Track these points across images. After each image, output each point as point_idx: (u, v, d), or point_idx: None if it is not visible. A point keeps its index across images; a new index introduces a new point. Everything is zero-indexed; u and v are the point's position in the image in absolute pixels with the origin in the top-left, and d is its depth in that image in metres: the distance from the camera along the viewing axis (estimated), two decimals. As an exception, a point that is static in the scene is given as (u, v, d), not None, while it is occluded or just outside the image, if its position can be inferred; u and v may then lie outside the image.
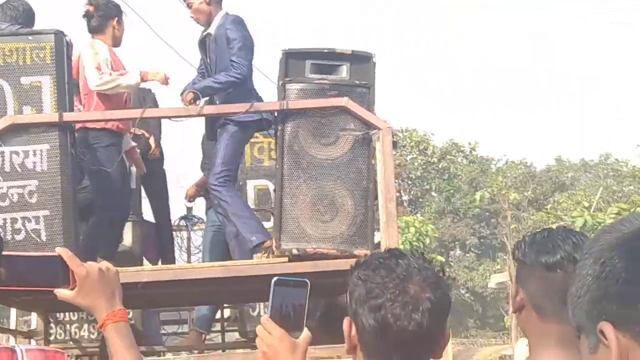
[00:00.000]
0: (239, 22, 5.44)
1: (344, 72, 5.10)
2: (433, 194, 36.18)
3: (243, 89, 5.29)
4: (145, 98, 6.34)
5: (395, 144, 5.10)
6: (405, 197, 36.22)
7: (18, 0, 5.62)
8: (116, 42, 5.53)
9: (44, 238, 4.60)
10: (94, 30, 5.47)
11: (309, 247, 4.92)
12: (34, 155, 4.71)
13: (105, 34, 5.46)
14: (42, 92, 4.79)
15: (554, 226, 2.15)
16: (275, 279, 1.82)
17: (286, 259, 4.86)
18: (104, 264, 1.89)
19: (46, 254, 1.88)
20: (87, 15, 5.51)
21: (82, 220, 5.13)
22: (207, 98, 5.14)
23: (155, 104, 6.37)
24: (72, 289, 1.83)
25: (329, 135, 5.02)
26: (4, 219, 4.62)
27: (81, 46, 5.36)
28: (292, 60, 5.08)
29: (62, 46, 4.85)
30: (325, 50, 5.14)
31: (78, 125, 5.03)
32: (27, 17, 5.49)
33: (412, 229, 22.04)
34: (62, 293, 1.85)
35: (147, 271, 4.89)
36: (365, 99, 5.10)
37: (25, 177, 4.68)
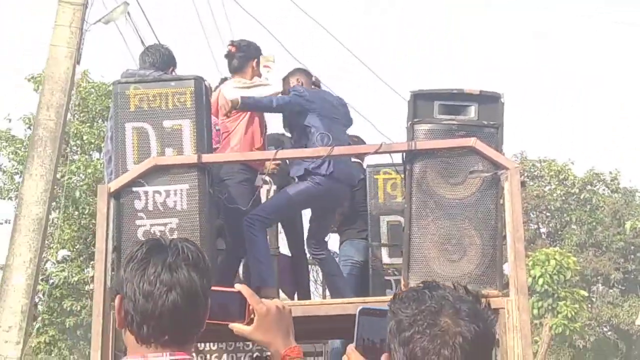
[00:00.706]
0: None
1: (472, 112, 5.23)
2: (573, 226, 35.23)
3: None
4: (284, 141, 6.67)
5: (523, 184, 5.17)
6: (543, 230, 35.46)
7: (155, 47, 6.07)
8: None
9: (183, 274, 4.91)
10: (235, 70, 5.88)
11: (437, 286, 5.04)
12: (175, 194, 5.05)
13: (245, 73, 5.84)
14: (182, 134, 5.13)
15: None
16: (360, 308, 1.87)
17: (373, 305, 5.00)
18: (279, 302, 2.01)
19: (228, 289, 1.98)
20: (229, 56, 5.91)
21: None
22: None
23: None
24: (247, 324, 1.94)
25: (457, 175, 5.15)
26: (147, 255, 4.96)
27: (225, 86, 5.75)
28: (421, 102, 5.25)
29: (201, 91, 5.20)
30: (454, 91, 5.29)
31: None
32: (164, 61, 5.92)
33: (553, 262, 21.44)
34: (240, 328, 1.95)
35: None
36: (494, 139, 5.21)
37: (167, 215, 5.03)
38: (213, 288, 1.94)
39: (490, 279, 5.08)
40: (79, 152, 19.05)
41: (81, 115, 19.13)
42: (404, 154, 5.29)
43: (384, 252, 6.53)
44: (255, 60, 5.96)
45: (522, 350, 4.84)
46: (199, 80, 5.24)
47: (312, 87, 6.07)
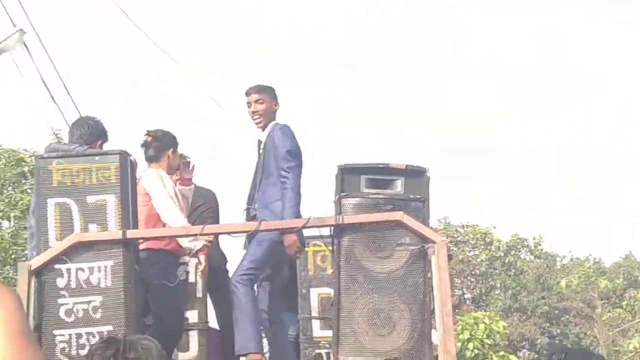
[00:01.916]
0: (285, 132, 5.86)
1: (398, 186, 5.38)
2: (498, 291, 35.86)
3: None
4: (206, 199, 6.70)
5: (450, 257, 5.32)
6: (468, 295, 35.94)
7: (84, 119, 6.10)
8: (170, 170, 5.97)
9: (107, 354, 4.88)
10: (151, 159, 5.95)
11: (367, 361, 5.12)
12: (99, 271, 5.03)
13: (161, 162, 5.92)
14: (106, 210, 5.14)
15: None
16: None
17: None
18: None
19: None
20: (145, 145, 5.99)
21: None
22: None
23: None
24: None
25: (385, 249, 5.27)
26: (70, 335, 4.92)
27: (149, 175, 5.78)
28: (348, 176, 5.37)
29: (126, 166, 5.23)
30: (380, 166, 5.44)
31: (142, 247, 5.39)
32: (92, 134, 5.95)
33: (482, 326, 21.67)
34: None
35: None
36: (420, 212, 5.35)
37: (91, 293, 5.00)
38: None
39: (419, 353, 5.18)
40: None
41: None
42: (332, 227, 5.39)
43: (315, 324, 6.58)
44: (172, 149, 6.05)
45: None
46: (123, 155, 5.27)
47: None
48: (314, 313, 6.97)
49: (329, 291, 6.78)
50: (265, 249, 5.68)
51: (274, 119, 6.05)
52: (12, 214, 17.20)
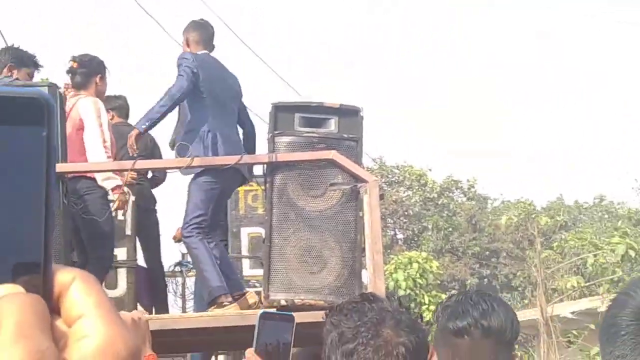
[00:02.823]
0: (182, 54, 5.81)
1: (332, 125, 5.46)
2: (430, 232, 36.47)
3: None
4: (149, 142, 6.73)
5: (382, 196, 5.44)
6: (400, 235, 36.49)
7: (10, 47, 6.02)
8: (99, 97, 5.91)
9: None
10: (78, 86, 5.88)
11: (297, 298, 5.23)
12: (27, 205, 5.02)
13: (88, 89, 5.85)
14: (35, 143, 5.10)
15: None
16: (261, 311, 1.96)
17: (274, 309, 5.16)
18: (136, 314, 2.16)
19: None
20: (71, 72, 5.91)
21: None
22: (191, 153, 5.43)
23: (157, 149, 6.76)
24: None
25: (318, 188, 5.36)
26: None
27: (86, 103, 5.72)
28: (281, 114, 5.43)
29: (55, 98, 5.19)
30: (314, 104, 5.49)
31: (70, 175, 5.37)
32: (20, 62, 5.86)
33: (416, 265, 22.02)
34: None
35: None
36: (353, 152, 5.45)
37: (18, 227, 4.99)
38: None
39: (349, 290, 5.28)
40: None
41: None
42: (265, 166, 5.45)
43: (245, 263, 6.69)
44: (99, 75, 5.99)
45: None
46: (53, 87, 5.24)
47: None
48: (244, 252, 7.09)
49: (259, 231, 6.88)
50: (202, 193, 5.62)
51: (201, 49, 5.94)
52: None
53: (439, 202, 36.08)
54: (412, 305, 23.00)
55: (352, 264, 5.34)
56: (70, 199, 5.38)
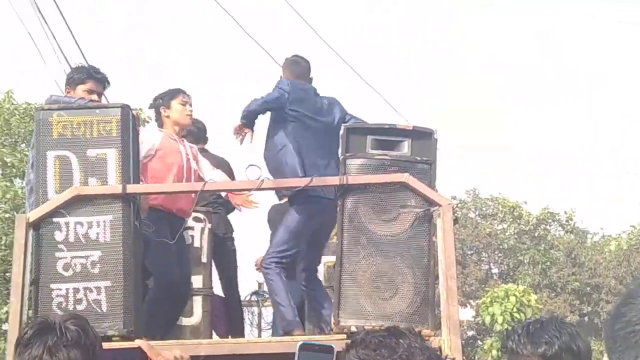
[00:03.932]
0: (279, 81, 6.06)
1: (405, 147, 5.43)
2: (526, 266, 35.78)
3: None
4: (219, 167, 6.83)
5: (456, 220, 5.37)
6: (495, 270, 35.96)
7: (82, 67, 6.23)
8: (175, 124, 6.14)
9: (104, 309, 5.00)
10: (161, 127, 6.08)
11: (368, 324, 5.17)
12: (98, 226, 5.14)
13: (165, 125, 6.14)
14: (107, 164, 5.23)
15: None
16: (300, 343, 1.99)
17: (344, 335, 5.12)
18: (178, 353, 2.24)
19: (128, 345, 2.21)
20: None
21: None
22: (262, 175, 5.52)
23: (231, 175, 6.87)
24: None
25: (390, 212, 5.32)
26: (67, 289, 5.04)
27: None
28: (354, 136, 5.43)
29: (128, 119, 5.31)
30: (387, 126, 5.48)
31: (148, 205, 5.53)
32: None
33: (513, 299, 21.41)
34: None
35: (204, 345, 5.23)
36: (427, 175, 5.40)
37: (89, 247, 5.11)
38: (114, 346, 2.16)
39: (422, 318, 5.24)
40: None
41: (3, 137, 18.91)
42: (337, 189, 5.46)
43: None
44: (162, 107, 6.20)
45: (452, 391, 4.99)
46: (125, 108, 5.35)
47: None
48: (322, 281, 7.08)
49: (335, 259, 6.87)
50: (287, 231, 5.85)
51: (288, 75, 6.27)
52: (26, 170, 17.39)
53: (535, 235, 35.41)
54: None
55: (425, 290, 5.27)
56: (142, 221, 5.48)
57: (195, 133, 6.97)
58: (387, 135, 5.45)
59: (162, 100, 6.13)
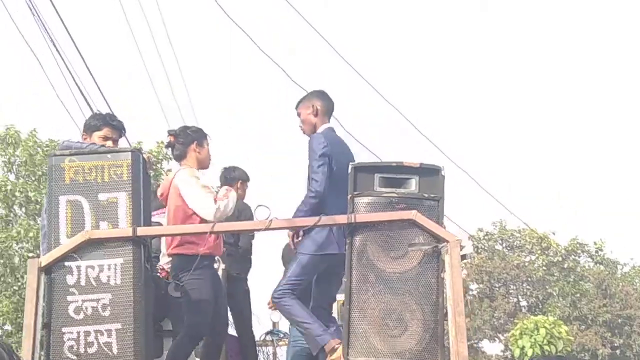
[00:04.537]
0: (316, 138, 6.06)
1: (412, 185, 5.51)
2: (556, 298, 35.44)
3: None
4: (242, 213, 6.94)
5: (464, 257, 5.42)
6: (524, 303, 35.68)
7: (99, 115, 6.38)
8: (201, 164, 6.19)
9: (115, 351, 5.09)
10: (178, 158, 6.21)
11: (377, 362, 5.23)
12: (109, 269, 5.24)
13: (188, 159, 6.16)
14: (118, 207, 5.35)
15: None
16: None
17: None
18: None
19: None
20: (170, 146, 6.26)
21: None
22: (271, 215, 5.63)
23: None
24: None
25: (398, 249, 5.39)
26: (78, 332, 5.14)
27: (180, 177, 6.05)
28: (361, 174, 5.51)
29: (138, 163, 5.44)
30: (394, 164, 5.56)
31: (172, 252, 5.63)
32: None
33: (543, 331, 20.99)
34: None
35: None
36: (434, 211, 5.47)
37: (100, 290, 5.21)
38: None
39: (432, 355, 5.28)
40: (23, 214, 18.90)
41: (27, 174, 19.15)
42: (345, 227, 5.53)
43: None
44: (194, 143, 6.30)
45: None
46: (135, 153, 5.48)
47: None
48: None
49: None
50: (301, 266, 5.99)
51: (318, 126, 6.37)
52: (40, 215, 17.59)
53: (564, 266, 35.14)
54: (537, 377, 22.16)
55: (434, 326, 5.32)
56: (152, 263, 5.58)
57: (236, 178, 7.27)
58: (395, 173, 5.53)
59: (196, 136, 6.27)
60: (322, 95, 6.40)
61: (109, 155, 5.48)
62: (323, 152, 6.06)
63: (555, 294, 34.78)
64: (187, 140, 6.30)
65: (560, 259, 35.25)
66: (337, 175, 6.06)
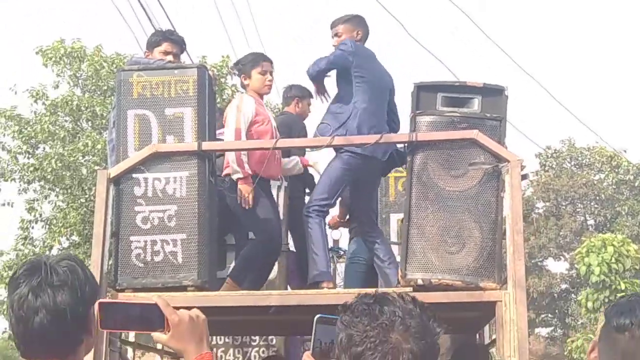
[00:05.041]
0: (344, 41, 6.16)
1: (475, 105, 5.53)
2: (624, 217, 34.97)
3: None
4: (292, 128, 7.03)
5: (524, 177, 5.46)
6: (591, 222, 35.38)
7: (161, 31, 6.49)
8: (258, 91, 6.20)
9: (180, 260, 5.31)
10: (242, 87, 6.27)
11: (434, 277, 5.34)
12: (174, 181, 5.43)
13: (246, 88, 6.21)
14: (184, 122, 5.51)
15: None
16: (317, 316, 2.08)
17: (410, 288, 5.29)
18: (194, 312, 2.22)
19: (145, 302, 2.21)
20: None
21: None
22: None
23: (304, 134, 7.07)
24: (166, 333, 2.17)
25: (458, 168, 5.45)
26: (145, 241, 5.36)
27: (232, 103, 6.16)
28: (424, 93, 5.56)
29: (204, 80, 5.57)
30: (457, 84, 5.60)
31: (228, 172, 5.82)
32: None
33: (610, 249, 20.72)
34: (158, 336, 2.21)
35: (274, 295, 5.49)
36: (496, 131, 5.50)
37: (166, 202, 5.41)
38: (132, 301, 2.21)
39: (488, 272, 5.37)
40: (90, 128, 19.05)
41: (93, 88, 19.30)
42: (406, 146, 5.60)
43: (394, 250, 6.86)
44: (243, 75, 6.30)
45: (518, 343, 5.13)
46: (202, 69, 5.61)
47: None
48: (394, 238, 7.26)
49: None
50: (327, 181, 5.99)
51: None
52: (108, 129, 17.74)
53: (635, 185, 34.59)
54: (607, 293, 21.81)
55: (492, 244, 5.40)
56: (217, 178, 5.74)
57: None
58: (457, 93, 5.56)
59: (243, 67, 6.27)
60: (365, 23, 6.38)
61: (175, 71, 5.62)
62: (344, 49, 6.05)
63: (624, 212, 34.33)
64: (240, 72, 6.35)
65: (631, 177, 34.68)
66: (371, 89, 6.07)
